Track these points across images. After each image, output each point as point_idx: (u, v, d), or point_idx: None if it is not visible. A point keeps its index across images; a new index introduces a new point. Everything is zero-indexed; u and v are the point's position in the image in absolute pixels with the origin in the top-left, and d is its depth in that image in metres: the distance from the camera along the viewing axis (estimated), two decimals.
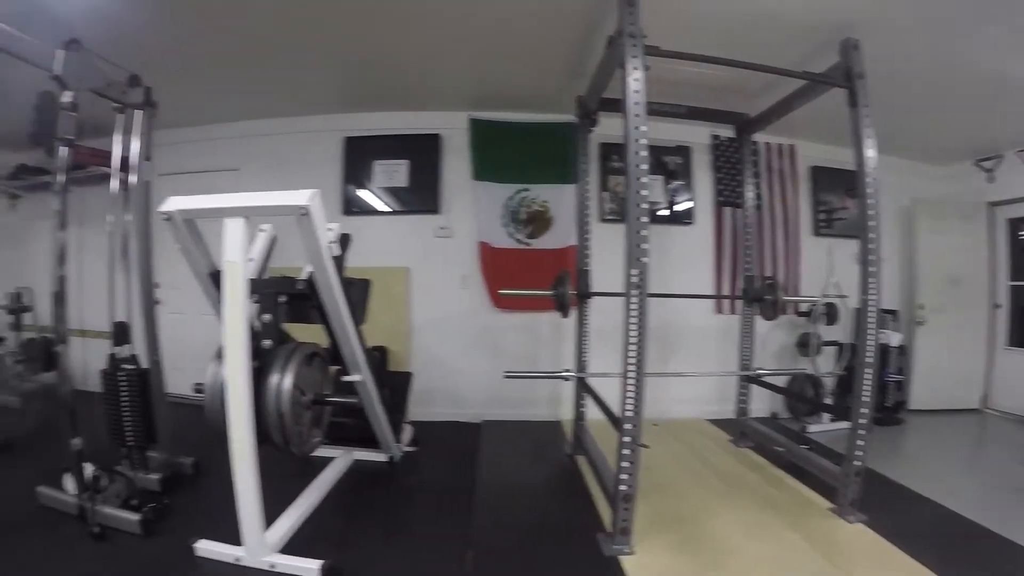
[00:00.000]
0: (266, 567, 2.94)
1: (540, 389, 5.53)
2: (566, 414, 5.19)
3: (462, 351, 5.87)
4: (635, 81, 2.92)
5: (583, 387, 4.43)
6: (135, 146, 4.04)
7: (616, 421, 3.03)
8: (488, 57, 4.63)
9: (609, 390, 3.48)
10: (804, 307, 5.96)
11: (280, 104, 5.85)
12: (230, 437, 2.97)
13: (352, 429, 4.24)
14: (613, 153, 5.81)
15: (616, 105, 3.11)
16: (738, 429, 4.92)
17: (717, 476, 4.17)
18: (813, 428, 5.52)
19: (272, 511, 3.12)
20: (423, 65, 4.82)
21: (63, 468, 3.62)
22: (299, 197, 2.85)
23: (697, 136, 6.06)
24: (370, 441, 4.33)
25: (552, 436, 5.14)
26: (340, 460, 4.30)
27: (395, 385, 4.65)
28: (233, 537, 3.00)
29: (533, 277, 5.08)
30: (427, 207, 6.00)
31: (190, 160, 6.36)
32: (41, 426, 5.64)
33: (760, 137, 5.32)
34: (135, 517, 3.35)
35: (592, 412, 4.15)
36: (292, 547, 3.12)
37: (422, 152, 5.99)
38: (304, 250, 3.07)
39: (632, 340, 2.90)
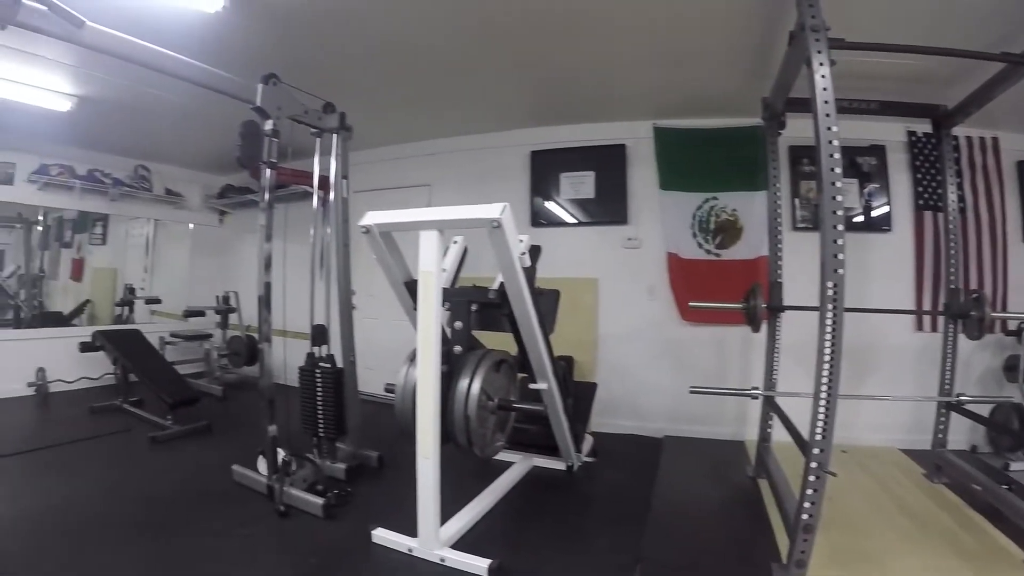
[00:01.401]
0: (436, 560, 3.05)
1: (725, 406, 5.35)
2: (751, 434, 4.91)
3: (647, 363, 5.72)
4: (822, 78, 2.73)
5: (771, 406, 4.19)
6: (332, 166, 4.42)
7: (803, 445, 2.83)
8: (667, 63, 4.51)
9: (797, 411, 3.25)
10: (1013, 325, 5.23)
11: (468, 122, 6.09)
12: (416, 434, 3.12)
13: (534, 436, 4.32)
14: (803, 156, 5.43)
15: (803, 105, 2.91)
16: (932, 462, 4.43)
17: (905, 513, 3.79)
18: (1016, 466, 4.75)
19: (448, 508, 3.24)
20: (604, 76, 4.80)
21: (258, 451, 4.03)
22: (491, 210, 2.94)
23: (891, 133, 5.51)
24: (550, 449, 4.37)
25: (735, 456, 4.90)
26: (519, 465, 4.38)
27: (579, 395, 4.62)
28: (408, 528, 3.16)
29: (723, 289, 4.94)
30: (614, 218, 5.91)
31: (384, 177, 6.82)
32: (240, 413, 6.35)
33: (959, 131, 4.76)
34: (319, 501, 3.64)
35: (778, 433, 3.91)
36: (464, 544, 3.21)
37: (608, 163, 5.92)
38: (496, 261, 3.16)
39: (825, 358, 2.71)
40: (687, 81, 4.82)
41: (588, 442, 4.79)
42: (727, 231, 5.62)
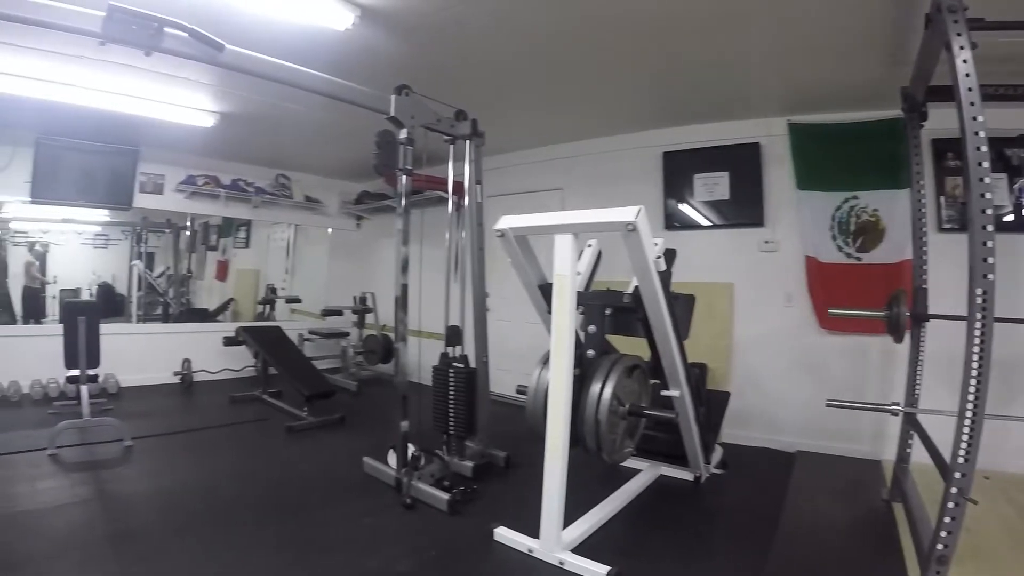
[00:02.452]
0: (555, 563, 3.05)
1: (862, 422, 5.00)
2: (888, 453, 4.61)
3: (782, 373, 5.46)
4: (963, 63, 2.46)
5: (911, 424, 3.88)
6: (466, 171, 4.54)
7: (944, 468, 2.60)
8: (799, 54, 4.26)
9: (939, 430, 3.01)
10: None
11: (599, 124, 6.07)
12: (545, 437, 3.15)
13: (663, 443, 4.26)
14: (948, 150, 4.94)
15: (946, 93, 2.65)
16: None
17: None
18: None
19: (571, 511, 3.23)
20: (735, 71, 4.62)
21: (389, 445, 4.18)
22: (626, 213, 2.92)
23: None
24: (679, 458, 4.28)
25: (870, 476, 4.63)
26: (646, 473, 4.33)
27: (711, 404, 4.51)
28: (531, 529, 3.19)
29: (863, 295, 4.68)
30: (750, 220, 5.67)
31: (517, 181, 6.93)
32: (372, 408, 6.62)
33: None
34: (444, 496, 3.75)
35: (918, 454, 3.65)
36: (584, 548, 3.19)
37: (742, 163, 5.71)
38: (630, 264, 3.14)
39: (972, 373, 2.47)
40: (821, 73, 4.55)
41: (718, 453, 4.67)
42: (868, 233, 5.24)
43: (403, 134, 3.97)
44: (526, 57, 4.41)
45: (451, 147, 4.54)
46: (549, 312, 3.27)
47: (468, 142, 4.50)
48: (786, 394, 5.38)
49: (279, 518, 3.68)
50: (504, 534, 3.31)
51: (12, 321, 8.82)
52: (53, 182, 7.14)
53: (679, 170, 5.99)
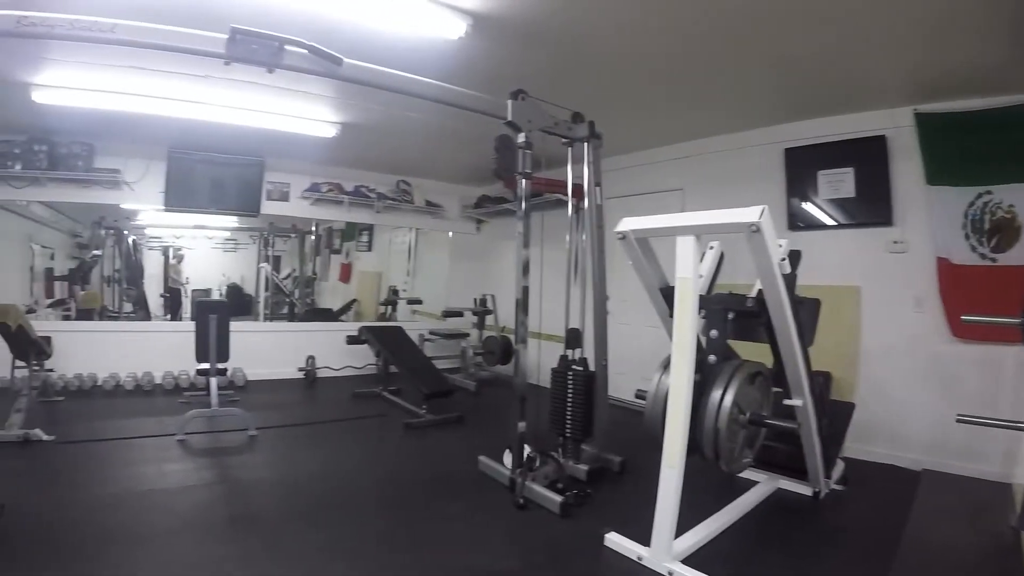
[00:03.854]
0: (664, 572, 2.98)
1: (994, 441, 4.54)
2: (1020, 476, 4.25)
3: (909, 385, 5.04)
4: None
5: None
6: (585, 174, 4.50)
7: None
8: (922, 36, 3.87)
9: None
10: None
11: (719, 122, 5.89)
12: (663, 443, 3.09)
13: (782, 455, 4.07)
14: None
15: None
16: None
17: None
18: None
19: (684, 521, 3.14)
20: (854, 59, 4.29)
21: (505, 445, 4.23)
22: (749, 214, 2.85)
23: None
24: (798, 471, 4.09)
25: (998, 500, 4.24)
26: (764, 485, 4.18)
27: (835, 415, 4.28)
28: (642, 536, 3.13)
29: (999, 300, 4.20)
30: (877, 219, 5.22)
31: (635, 183, 6.83)
32: (490, 408, 6.72)
33: None
34: (557, 498, 3.74)
35: None
36: (695, 560, 3.10)
37: (867, 157, 5.27)
38: (754, 267, 3.05)
39: None
40: (947, 56, 4.13)
41: (839, 468, 4.42)
42: (1004, 231, 4.72)
43: (521, 138, 4.01)
44: (640, 56, 4.34)
45: (569, 150, 4.53)
46: (670, 316, 3.21)
47: (586, 144, 4.48)
48: (913, 407, 4.99)
49: (393, 511, 3.81)
50: (614, 540, 3.27)
51: (147, 318, 9.55)
52: (185, 191, 7.66)
53: (802, 167, 5.66)
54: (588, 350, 4.52)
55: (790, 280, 3.30)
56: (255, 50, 3.15)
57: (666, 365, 3.28)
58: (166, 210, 7.75)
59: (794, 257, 3.58)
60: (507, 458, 4.18)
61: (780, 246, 3.18)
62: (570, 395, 4.30)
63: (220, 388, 5.55)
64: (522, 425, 4.01)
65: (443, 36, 3.91)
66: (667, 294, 3.39)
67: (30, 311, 7.41)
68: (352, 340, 7.36)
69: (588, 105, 4.52)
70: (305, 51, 3.25)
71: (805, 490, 4.18)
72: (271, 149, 7.65)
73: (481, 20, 3.77)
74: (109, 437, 5.13)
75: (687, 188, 6.49)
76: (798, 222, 5.67)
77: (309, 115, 6.02)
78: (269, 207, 8.28)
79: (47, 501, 3.74)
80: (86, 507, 3.68)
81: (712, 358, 3.34)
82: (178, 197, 7.66)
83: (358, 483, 4.32)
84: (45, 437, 4.83)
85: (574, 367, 4.36)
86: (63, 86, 5.24)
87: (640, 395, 3.56)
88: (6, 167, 6.72)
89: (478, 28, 3.83)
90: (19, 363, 5.38)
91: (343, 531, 3.49)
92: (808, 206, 5.66)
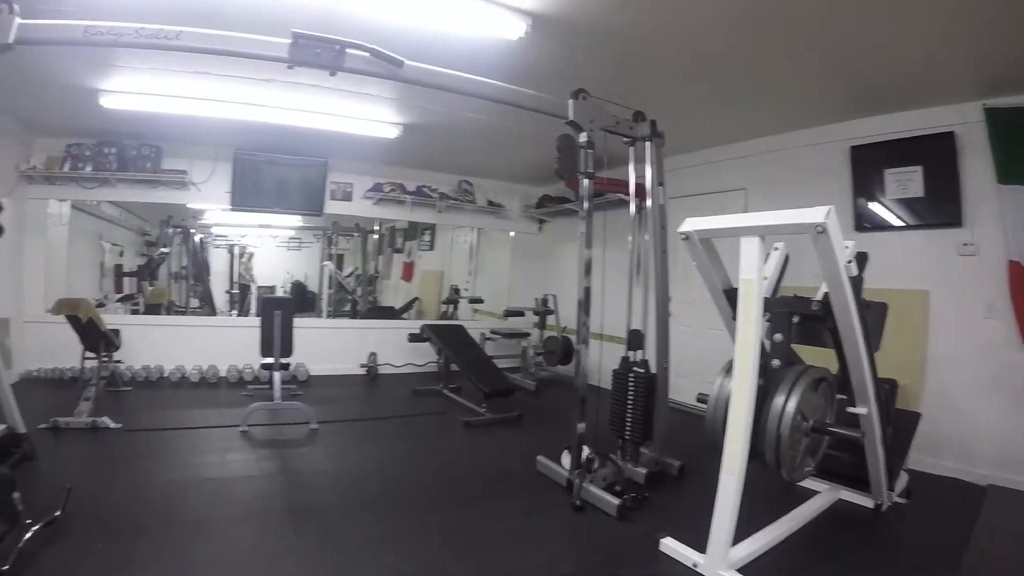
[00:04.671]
0: None
1: None
2: None
3: (978, 395, 4.77)
4: None
5: None
6: (648, 173, 4.44)
7: None
8: (991, 24, 3.63)
9: None
10: None
11: (782, 119, 5.73)
12: (723, 448, 3.03)
13: (844, 465, 3.97)
14: None
15: None
16: None
17: None
18: None
19: (742, 528, 3.07)
20: (919, 50, 4.09)
21: (564, 446, 4.20)
22: (815, 214, 2.78)
23: None
24: (859, 482, 3.99)
25: None
26: (824, 496, 4.05)
27: (899, 425, 4.13)
28: (698, 543, 3.08)
29: None
30: (946, 219, 4.96)
31: (698, 182, 6.71)
32: (549, 408, 6.70)
33: None
34: (615, 501, 3.70)
35: None
36: (751, 570, 3.05)
37: (936, 155, 4.96)
38: (820, 269, 2.98)
39: None
40: (1017, 47, 3.91)
41: (902, 480, 4.27)
42: None
43: (583, 138, 3.99)
44: (701, 53, 4.26)
45: (631, 149, 4.48)
46: (734, 318, 3.15)
47: (648, 143, 4.43)
48: (981, 419, 4.73)
49: (450, 508, 3.84)
50: (670, 545, 3.23)
51: (213, 313, 9.91)
52: (250, 191, 7.89)
53: (868, 165, 5.43)
54: (650, 352, 4.47)
55: (856, 283, 3.23)
56: (318, 54, 3.24)
57: (729, 369, 3.22)
58: (232, 209, 8.00)
59: (861, 259, 3.50)
60: (565, 459, 4.16)
61: (846, 248, 3.11)
62: (630, 397, 4.26)
63: (283, 382, 5.66)
64: (582, 426, 3.99)
65: (503, 37, 3.92)
66: (731, 296, 3.33)
67: (100, 305, 7.70)
68: (414, 338, 7.42)
69: (649, 103, 4.46)
70: (367, 54, 3.32)
71: (866, 502, 4.04)
72: (334, 150, 7.78)
73: (541, 20, 3.76)
74: (174, 427, 5.31)
75: (750, 188, 6.34)
76: (864, 223, 5.44)
77: (371, 116, 6.11)
78: (332, 207, 8.46)
79: (113, 485, 3.90)
80: (150, 492, 3.83)
81: (776, 362, 3.27)
82: (244, 197, 7.89)
83: (416, 479, 4.36)
84: (112, 425, 5.03)
85: (635, 369, 4.31)
86: (130, 91, 5.46)
87: (702, 399, 3.51)
88: (77, 169, 7.07)
89: (538, 28, 3.82)
90: (89, 354, 5.66)
91: (399, 525, 3.54)
92: (875, 206, 5.42)
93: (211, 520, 3.47)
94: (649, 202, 4.47)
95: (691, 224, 3.27)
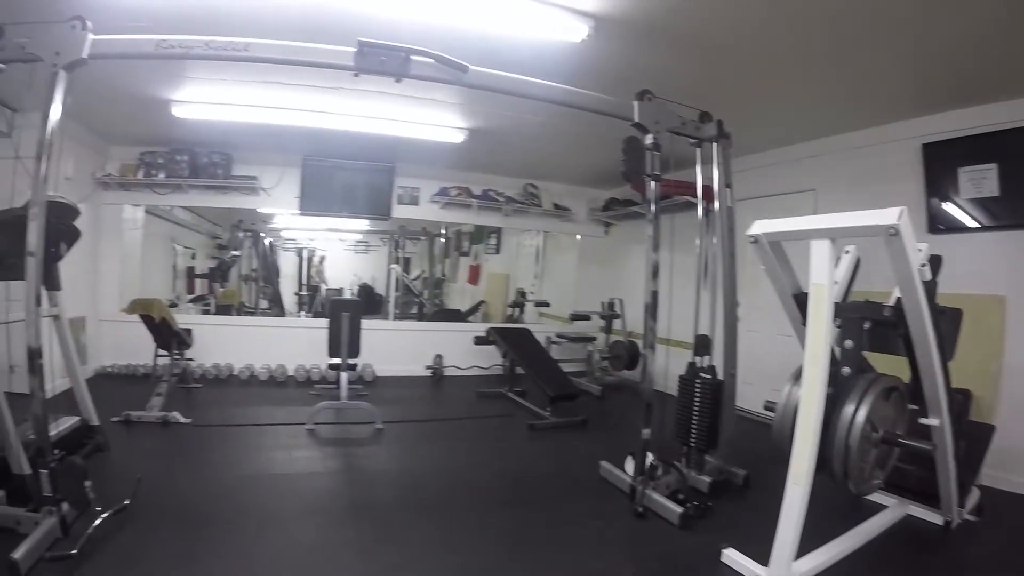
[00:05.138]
0: None
1: None
2: None
3: None
4: None
5: None
6: (715, 175, 4.36)
7: None
8: None
9: None
10: None
11: (851, 116, 5.48)
12: (790, 459, 2.94)
13: (913, 479, 3.81)
14: None
15: None
16: None
17: None
18: None
19: (806, 542, 2.97)
20: (997, 43, 3.83)
21: (628, 452, 4.16)
22: (887, 216, 2.67)
23: None
24: (927, 497, 3.79)
25: None
26: (892, 510, 3.89)
27: (972, 438, 3.93)
28: (761, 555, 2.99)
29: None
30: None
31: (765, 184, 6.52)
32: (614, 413, 6.68)
33: None
34: (677, 509, 3.65)
35: None
36: None
37: (1012, 152, 4.70)
38: (892, 273, 2.87)
39: None
40: None
41: (974, 496, 4.00)
42: None
43: (649, 139, 3.95)
44: (766, 50, 4.14)
45: (698, 150, 4.41)
46: (803, 324, 3.06)
47: (714, 144, 4.34)
48: None
49: (510, 510, 3.86)
50: (732, 556, 3.16)
51: (282, 314, 10.20)
52: (319, 196, 8.09)
53: (941, 164, 5.13)
54: (717, 358, 4.38)
55: (930, 288, 3.11)
56: (383, 61, 3.31)
57: (797, 376, 3.13)
58: (301, 214, 8.22)
59: (934, 263, 3.39)
60: (629, 465, 4.11)
61: (919, 250, 3.01)
62: (696, 404, 4.19)
63: (350, 382, 5.78)
64: (646, 432, 3.94)
65: (566, 40, 3.91)
66: (800, 301, 3.24)
67: (172, 305, 8.00)
68: (480, 341, 7.47)
69: (715, 103, 4.36)
70: (431, 60, 3.37)
71: (935, 519, 3.84)
72: (401, 155, 7.91)
73: (603, 22, 3.74)
74: (242, 423, 5.50)
75: (820, 188, 6.10)
76: (938, 224, 5.13)
77: (437, 122, 6.17)
78: (400, 211, 8.59)
79: (182, 478, 4.07)
80: (217, 486, 3.98)
81: (846, 370, 3.15)
82: (312, 202, 8.09)
83: (478, 480, 4.39)
84: (183, 420, 5.24)
85: (702, 375, 4.24)
86: (201, 101, 5.68)
87: (769, 407, 3.42)
88: (151, 175, 7.43)
89: (600, 30, 3.80)
90: (161, 352, 5.86)
91: (459, 526, 3.57)
92: (948, 207, 5.13)
93: (275, 514, 3.59)
94: (717, 204, 4.38)
95: (760, 227, 3.19)
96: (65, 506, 3.08)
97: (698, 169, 4.45)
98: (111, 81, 4.98)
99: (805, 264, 3.00)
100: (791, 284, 3.37)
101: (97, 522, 3.09)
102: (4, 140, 4.63)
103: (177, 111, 5.84)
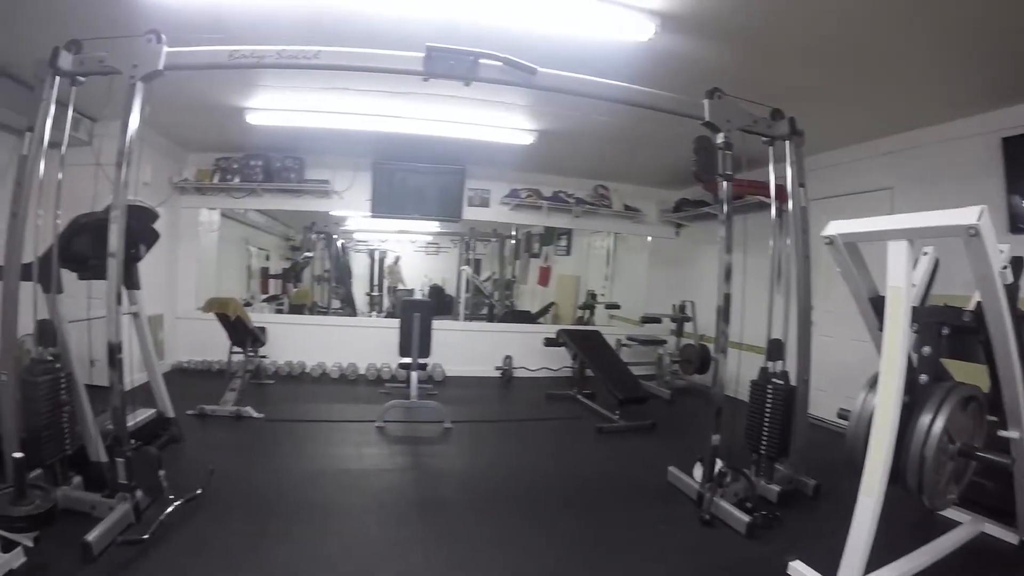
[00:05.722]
0: None
1: None
2: None
3: None
4: None
5: None
6: (788, 174, 4.21)
7: None
8: None
9: None
10: None
11: (928, 110, 5.18)
12: (863, 469, 2.82)
13: (989, 494, 3.62)
14: None
15: None
16: None
17: None
18: None
19: (875, 557, 2.83)
20: None
21: (696, 457, 4.09)
22: (967, 215, 2.56)
23: None
24: (1005, 514, 3.58)
25: None
26: (967, 527, 3.65)
27: None
28: (828, 569, 2.88)
29: None
30: None
31: (837, 183, 6.22)
32: (684, 418, 6.55)
33: None
34: (745, 518, 3.56)
35: None
36: None
37: None
38: (972, 276, 2.75)
39: None
40: None
41: None
42: None
43: (720, 138, 3.87)
44: (837, 43, 3.96)
45: (770, 149, 4.27)
46: (879, 329, 2.95)
47: (787, 142, 4.19)
48: None
49: (575, 512, 3.84)
50: (798, 569, 3.05)
51: (354, 314, 10.52)
52: (390, 199, 8.24)
53: (1023, 158, 4.80)
54: (790, 363, 4.23)
55: (1012, 291, 2.97)
56: (452, 65, 3.35)
57: (872, 383, 3.01)
58: (372, 216, 8.36)
59: (1017, 265, 3.20)
60: (697, 471, 4.04)
61: (1001, 252, 2.88)
62: (768, 410, 4.07)
63: (420, 382, 5.87)
64: (716, 438, 3.85)
65: (632, 39, 3.85)
66: (876, 305, 3.13)
67: (247, 304, 8.27)
68: (550, 342, 7.47)
69: (782, 100, 4.21)
70: (500, 63, 3.39)
71: (1010, 538, 3.60)
72: (471, 157, 7.95)
73: (670, 19, 3.67)
74: (313, 419, 5.64)
75: (896, 187, 5.76)
76: (1020, 223, 4.79)
77: (506, 124, 6.18)
78: (470, 213, 8.65)
79: (252, 470, 4.22)
80: (287, 478, 4.11)
81: (923, 378, 3.01)
82: (384, 204, 8.24)
83: (543, 482, 4.38)
84: (255, 415, 5.41)
85: (774, 380, 4.12)
86: (274, 108, 5.86)
87: (843, 415, 3.31)
88: (226, 180, 7.73)
89: (667, 27, 3.73)
90: (236, 349, 6.07)
91: (522, 526, 3.59)
92: None
93: (342, 507, 3.70)
94: (790, 204, 4.23)
95: (835, 227, 3.09)
96: (139, 493, 3.25)
97: (770, 168, 4.32)
98: (187, 91, 5.18)
99: (881, 266, 2.89)
100: (867, 287, 3.26)
101: (169, 509, 3.25)
102: (85, 148, 4.84)
103: (251, 118, 6.04)
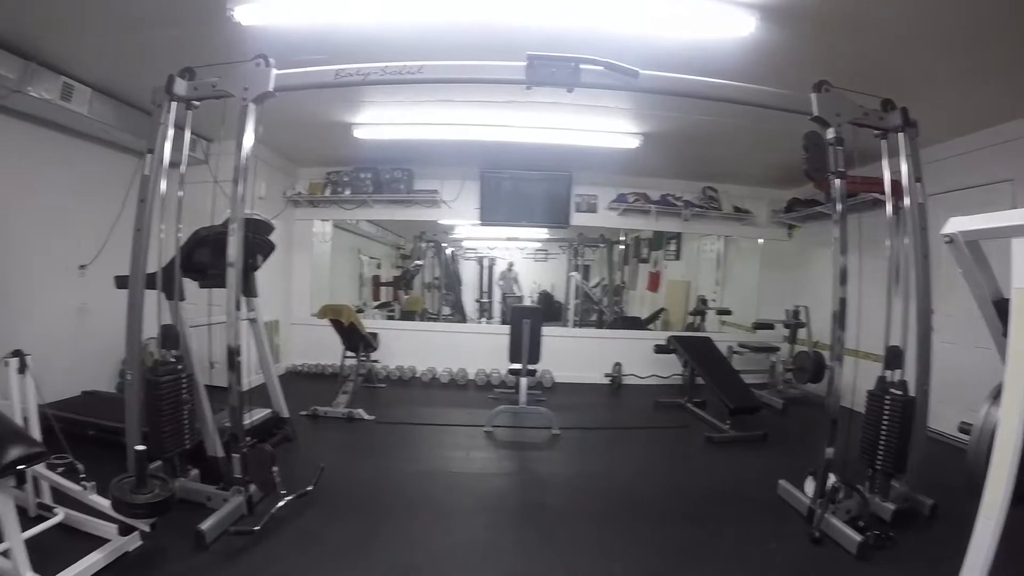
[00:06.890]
0: None
1: None
2: None
3: None
4: None
5: None
6: (903, 168, 3.90)
7: None
8: None
9: None
10: None
11: None
12: (984, 488, 2.60)
13: None
14: None
15: None
16: None
17: None
18: None
19: None
20: None
21: (808, 471, 3.90)
22: None
23: None
24: None
25: None
26: None
27: None
28: None
29: None
30: None
31: (950, 177, 5.62)
32: (797, 429, 6.27)
33: None
34: (857, 537, 3.36)
35: None
36: None
37: None
38: None
39: None
40: None
41: None
42: None
43: (830, 134, 3.67)
44: (946, 27, 3.70)
45: (883, 142, 3.96)
46: (1004, 335, 2.71)
47: (900, 135, 3.88)
48: None
49: (680, 523, 3.78)
50: None
51: (463, 320, 10.74)
52: (498, 207, 8.35)
53: None
54: (908, 372, 3.91)
55: None
56: (553, 72, 3.37)
57: (996, 395, 2.76)
58: (481, 224, 8.48)
59: None
60: (808, 485, 3.85)
61: None
62: (885, 422, 3.78)
63: (529, 387, 5.93)
64: (830, 451, 3.66)
65: (732, 35, 3.74)
66: (1001, 308, 2.89)
67: (360, 311, 8.50)
68: (660, 349, 7.36)
69: (896, 89, 3.93)
70: (601, 68, 3.38)
71: None
72: (577, 163, 7.94)
73: (769, 12, 3.54)
74: (422, 422, 5.80)
75: (1018, 178, 5.20)
76: None
77: (610, 128, 6.15)
78: (577, 218, 8.63)
79: (362, 469, 4.42)
80: (396, 479, 4.27)
81: None
82: (492, 212, 8.35)
83: (649, 491, 4.32)
84: (366, 416, 5.63)
85: (892, 390, 3.82)
86: (380, 123, 6.07)
87: (964, 428, 3.05)
88: (337, 192, 8.11)
89: (767, 21, 3.60)
90: (349, 353, 6.35)
91: (625, 535, 3.56)
92: None
93: (448, 509, 3.80)
94: (907, 201, 3.93)
95: (956, 224, 2.83)
96: (252, 487, 3.45)
97: (884, 163, 3.98)
98: (297, 109, 5.38)
99: (1006, 266, 2.62)
100: (991, 289, 3.00)
101: (280, 504, 3.47)
102: (203, 167, 5.10)
103: (358, 132, 6.26)
